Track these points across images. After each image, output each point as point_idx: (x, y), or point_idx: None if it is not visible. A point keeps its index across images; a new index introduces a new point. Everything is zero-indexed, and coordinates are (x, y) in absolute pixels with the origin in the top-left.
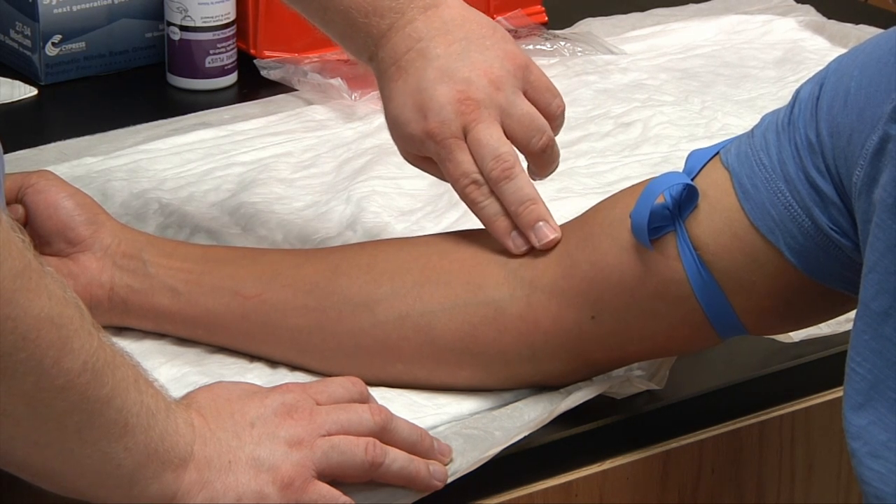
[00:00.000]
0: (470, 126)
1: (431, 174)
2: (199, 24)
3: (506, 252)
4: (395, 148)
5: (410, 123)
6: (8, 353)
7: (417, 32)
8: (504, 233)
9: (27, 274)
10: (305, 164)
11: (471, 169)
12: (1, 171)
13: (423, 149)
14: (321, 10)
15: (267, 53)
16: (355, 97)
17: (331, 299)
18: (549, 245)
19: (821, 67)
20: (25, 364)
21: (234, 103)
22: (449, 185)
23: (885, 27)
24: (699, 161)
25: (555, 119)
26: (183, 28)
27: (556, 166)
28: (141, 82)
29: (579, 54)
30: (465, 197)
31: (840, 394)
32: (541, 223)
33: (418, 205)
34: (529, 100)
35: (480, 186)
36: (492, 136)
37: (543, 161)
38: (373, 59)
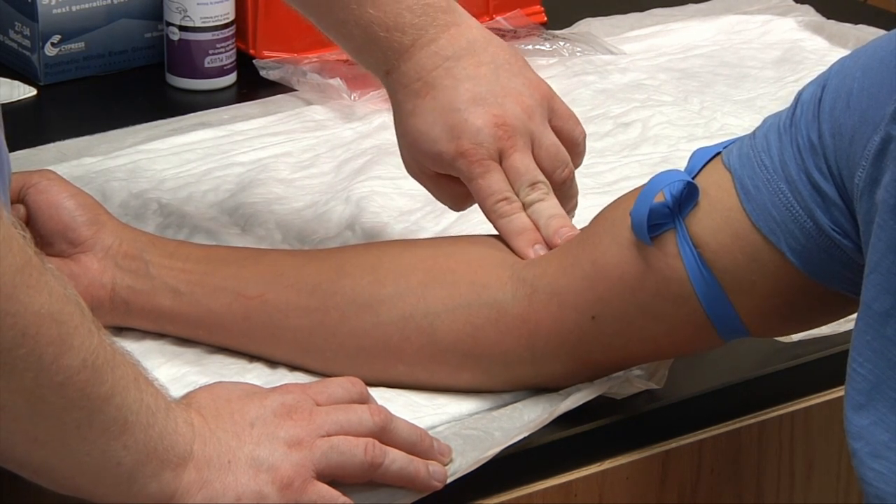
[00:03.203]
0: (507, 152)
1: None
2: (198, 24)
3: (512, 254)
4: (395, 148)
5: (440, 141)
6: (8, 349)
7: (444, 50)
8: (527, 244)
9: (28, 270)
10: (305, 165)
11: (505, 187)
12: (7, 170)
13: (447, 167)
14: (339, 23)
15: (266, 53)
16: (355, 97)
17: (334, 299)
18: None
19: (820, 67)
20: (25, 360)
21: (233, 103)
22: None
23: (884, 27)
24: (700, 161)
25: (578, 145)
26: (182, 28)
27: (575, 205)
28: (140, 82)
29: (578, 54)
30: (493, 211)
31: (840, 394)
32: (567, 229)
33: (417, 205)
34: (554, 127)
35: (512, 203)
36: (528, 165)
37: (563, 193)
38: (392, 72)
